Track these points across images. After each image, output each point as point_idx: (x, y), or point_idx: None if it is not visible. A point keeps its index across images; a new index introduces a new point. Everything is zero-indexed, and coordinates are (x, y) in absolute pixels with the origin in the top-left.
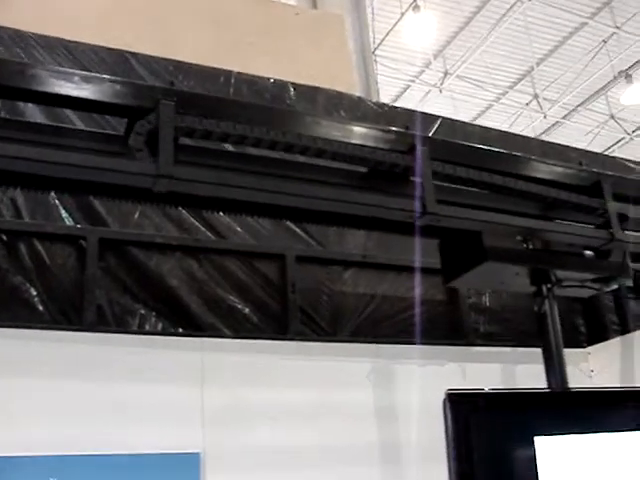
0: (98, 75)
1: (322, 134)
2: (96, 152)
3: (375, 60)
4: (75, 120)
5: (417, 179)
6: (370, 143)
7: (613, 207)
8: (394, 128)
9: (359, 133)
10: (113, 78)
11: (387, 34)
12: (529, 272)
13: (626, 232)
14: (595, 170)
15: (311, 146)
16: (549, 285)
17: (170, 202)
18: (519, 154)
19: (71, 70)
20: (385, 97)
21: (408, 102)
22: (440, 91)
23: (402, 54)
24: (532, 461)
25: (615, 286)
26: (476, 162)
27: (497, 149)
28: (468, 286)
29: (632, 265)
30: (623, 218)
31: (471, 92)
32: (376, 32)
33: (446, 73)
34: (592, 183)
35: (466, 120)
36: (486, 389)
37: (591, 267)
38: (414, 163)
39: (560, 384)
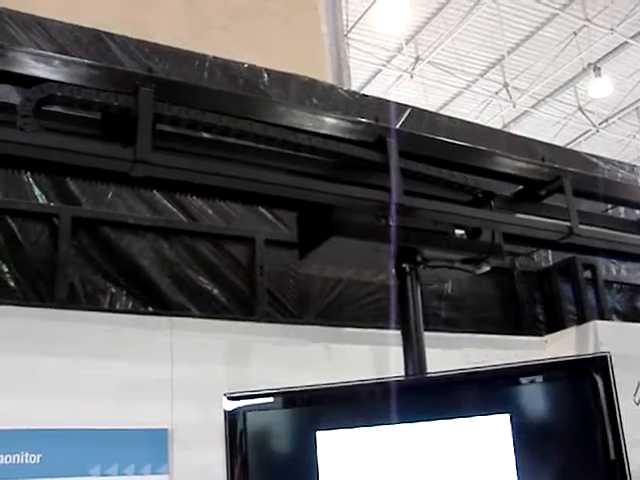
0: (78, 59)
1: (295, 125)
2: (73, 135)
3: (347, 43)
4: None
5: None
6: (340, 134)
7: (573, 203)
8: (363, 120)
9: (330, 125)
10: (92, 63)
11: (360, 17)
12: (393, 250)
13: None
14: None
15: (282, 139)
16: (412, 264)
17: (144, 185)
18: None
19: (51, 54)
20: (356, 81)
21: (379, 86)
22: (411, 76)
23: (374, 38)
24: (313, 457)
25: (486, 268)
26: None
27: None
28: (323, 262)
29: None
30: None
31: (441, 78)
32: (349, 15)
33: (417, 59)
34: (553, 179)
35: (435, 107)
36: (266, 389)
37: (458, 247)
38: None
39: (417, 368)
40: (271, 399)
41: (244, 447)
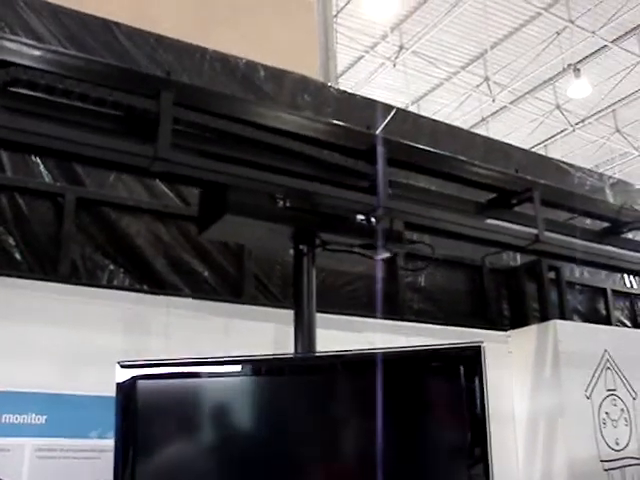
0: (104, 60)
1: (289, 128)
2: (94, 129)
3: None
4: None
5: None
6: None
7: (540, 212)
8: (356, 128)
9: (324, 131)
10: (118, 65)
11: (347, 2)
12: (291, 232)
13: None
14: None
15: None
16: (309, 247)
17: (152, 176)
18: None
19: (79, 54)
20: (339, 66)
21: (361, 72)
22: (394, 65)
23: (360, 24)
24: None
25: (386, 254)
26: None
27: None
28: (220, 239)
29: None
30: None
31: (424, 69)
32: None
33: (401, 47)
34: (524, 189)
35: (416, 96)
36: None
37: (356, 232)
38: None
39: (307, 349)
40: (160, 369)
41: (134, 415)
